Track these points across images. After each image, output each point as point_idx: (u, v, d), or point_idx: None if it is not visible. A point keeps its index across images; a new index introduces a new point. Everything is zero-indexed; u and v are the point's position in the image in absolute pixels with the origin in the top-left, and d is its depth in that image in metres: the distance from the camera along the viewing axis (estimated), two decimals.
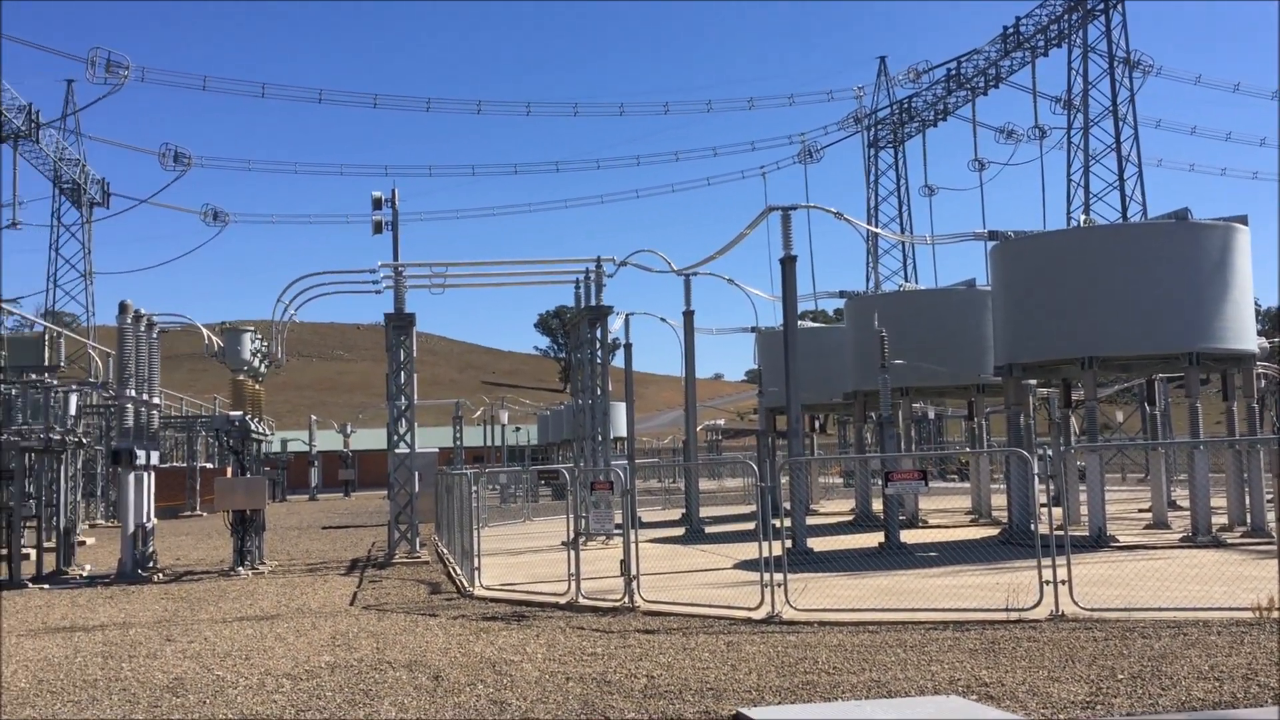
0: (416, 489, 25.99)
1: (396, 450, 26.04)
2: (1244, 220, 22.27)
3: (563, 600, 16.27)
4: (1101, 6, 56.93)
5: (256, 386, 27.56)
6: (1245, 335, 22.13)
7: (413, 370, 26.30)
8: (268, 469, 61.63)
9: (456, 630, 14.20)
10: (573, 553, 16.41)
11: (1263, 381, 41.09)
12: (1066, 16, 58.11)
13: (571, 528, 16.76)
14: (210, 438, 53.08)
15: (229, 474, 39.69)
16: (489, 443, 74.44)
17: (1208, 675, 9.62)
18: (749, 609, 14.29)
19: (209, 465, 55.64)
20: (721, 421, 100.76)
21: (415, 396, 26.43)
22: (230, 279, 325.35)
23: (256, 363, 27.00)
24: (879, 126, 76.34)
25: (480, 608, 16.36)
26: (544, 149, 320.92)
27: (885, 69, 77.33)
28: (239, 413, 25.96)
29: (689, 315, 30.72)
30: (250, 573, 22.93)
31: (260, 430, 27.55)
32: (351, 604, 17.52)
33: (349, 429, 77.55)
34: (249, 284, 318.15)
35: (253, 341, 26.88)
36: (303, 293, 26.63)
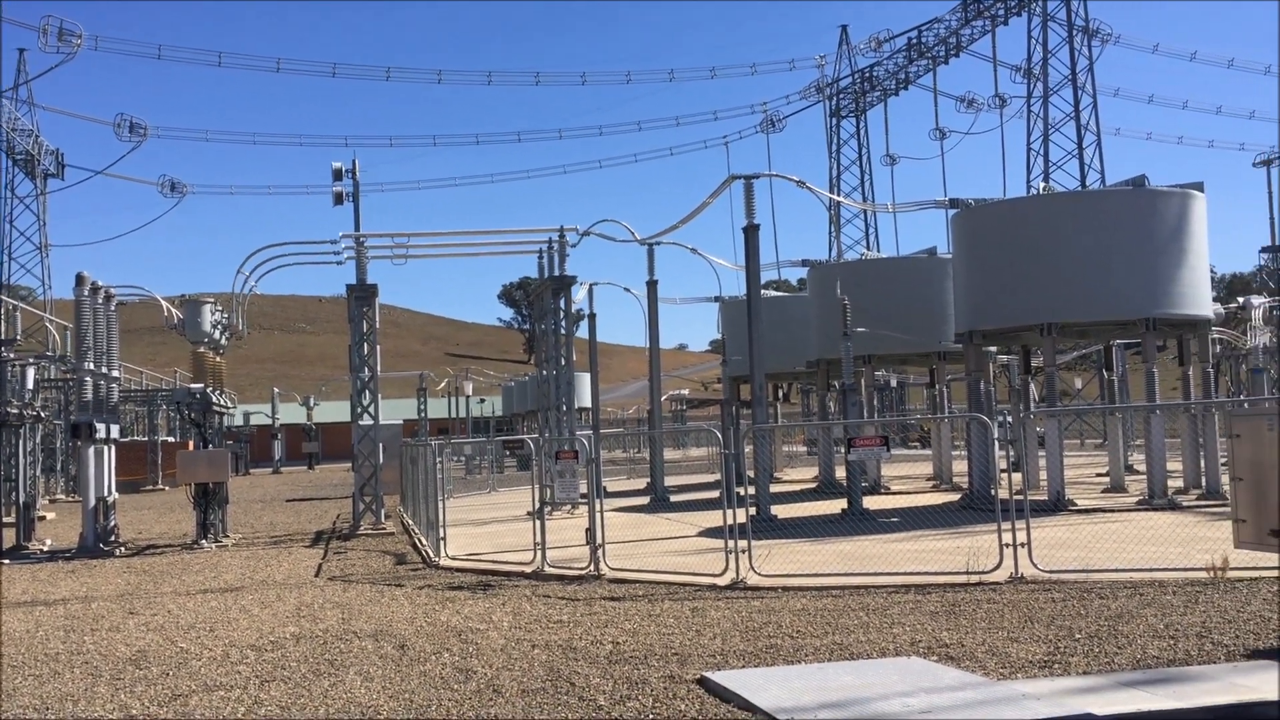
0: (381, 461, 25.91)
1: (361, 422, 25.94)
2: (1200, 187, 22.53)
3: (529, 569, 16.31)
4: None
5: (217, 359, 27.31)
6: (1201, 301, 22.44)
7: (375, 342, 26.15)
8: (230, 442, 61.28)
9: (422, 600, 14.21)
10: (538, 522, 16.44)
11: (1218, 347, 41.72)
12: None
13: (536, 497, 16.80)
14: (171, 411, 52.56)
15: (191, 447, 39.38)
16: (454, 414, 74.22)
17: (1163, 634, 9.81)
18: (714, 575, 14.40)
19: (170, 439, 55.15)
20: (686, 391, 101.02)
21: (379, 368, 26.30)
22: (189, 251, 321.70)
23: (217, 335, 26.74)
24: (841, 96, 76.39)
25: (446, 578, 16.37)
26: (506, 119, 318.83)
27: (847, 38, 77.26)
28: (200, 385, 25.74)
29: (652, 285, 30.73)
30: (214, 546, 22.81)
31: (222, 403, 27.33)
32: (316, 575, 17.48)
33: (312, 402, 77.09)
34: (209, 256, 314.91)
35: (213, 313, 26.60)
36: (263, 264, 26.37)
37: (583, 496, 17.54)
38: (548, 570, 16.02)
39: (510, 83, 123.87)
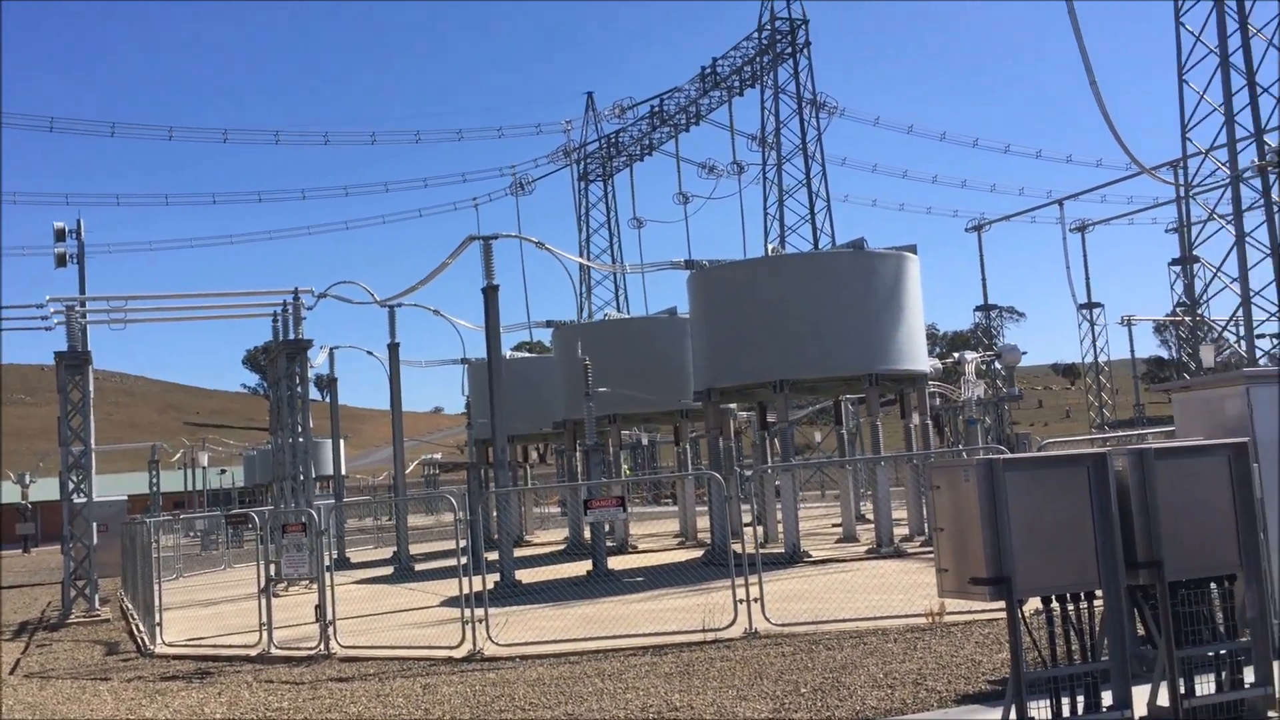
0: (95, 541, 23.95)
1: (74, 500, 23.92)
2: (913, 249, 23.97)
3: (254, 652, 15.30)
4: (789, 51, 60.41)
5: None
6: (918, 357, 23.77)
7: (89, 414, 24.26)
8: None
9: (129, 694, 13.04)
10: (264, 600, 15.48)
11: (937, 400, 44.51)
12: (758, 59, 61.27)
13: (262, 574, 15.83)
14: None
15: None
16: (190, 487, 70.01)
17: (882, 683, 10.06)
18: (450, 648, 13.89)
19: None
20: (438, 455, 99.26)
21: (94, 440, 24.39)
22: None
23: None
24: (588, 160, 77.79)
25: (161, 667, 15.14)
26: (244, 178, 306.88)
27: (593, 104, 78.92)
28: None
29: (394, 348, 30.02)
30: None
31: None
32: (11, 673, 15.82)
33: (28, 479, 71.02)
34: None
35: None
36: None
37: (327, 569, 16.72)
38: (274, 652, 15.07)
39: (249, 141, 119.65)
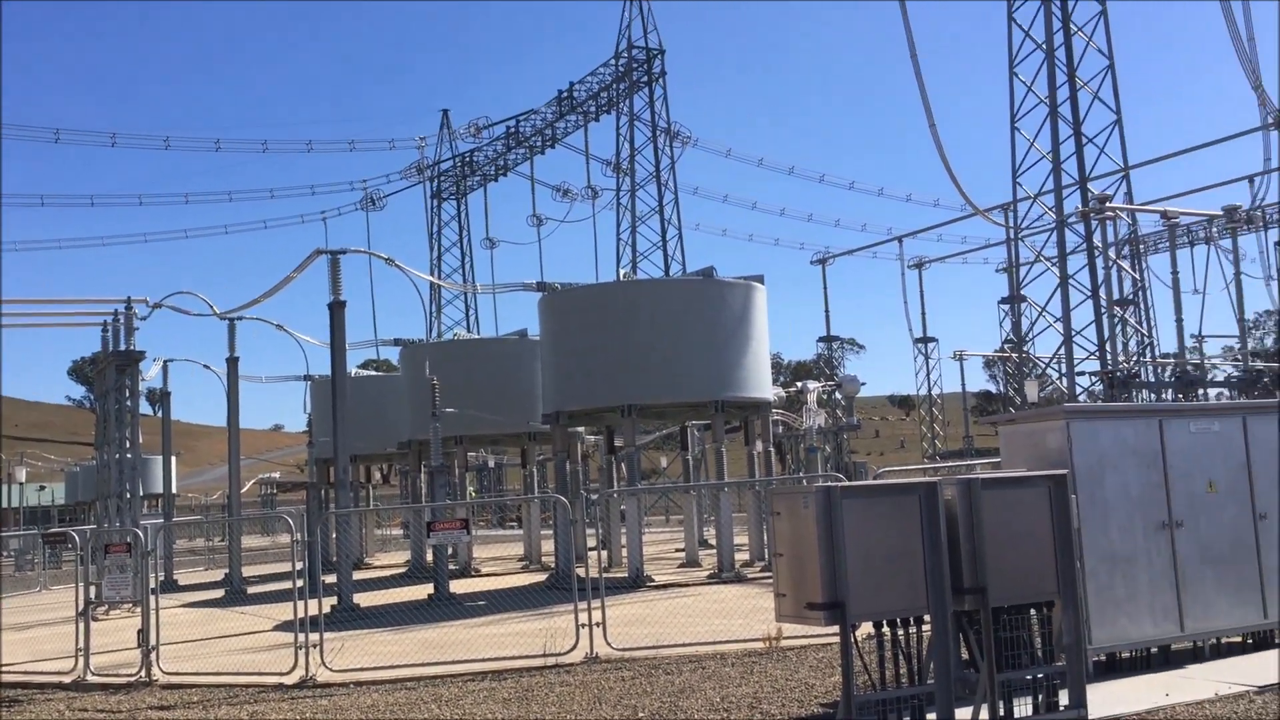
0: None
1: None
2: (761, 279, 24.49)
3: (68, 679, 14.52)
4: (646, 79, 61.14)
5: None
6: (763, 385, 24.24)
7: None
8: None
9: None
10: (82, 624, 14.73)
11: (780, 428, 45.46)
12: (615, 85, 61.82)
13: (81, 596, 15.07)
14: None
15: None
16: (6, 503, 66.24)
17: (719, 707, 10.17)
18: (281, 674, 13.45)
19: None
20: (277, 474, 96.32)
21: None
22: None
23: None
24: (442, 178, 77.01)
25: None
26: (76, 180, 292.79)
27: (448, 122, 78.16)
28: None
29: (233, 362, 29.03)
30: None
31: None
32: None
33: None
34: None
35: None
36: None
37: (153, 591, 16.01)
38: (91, 679, 14.34)
39: (83, 142, 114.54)
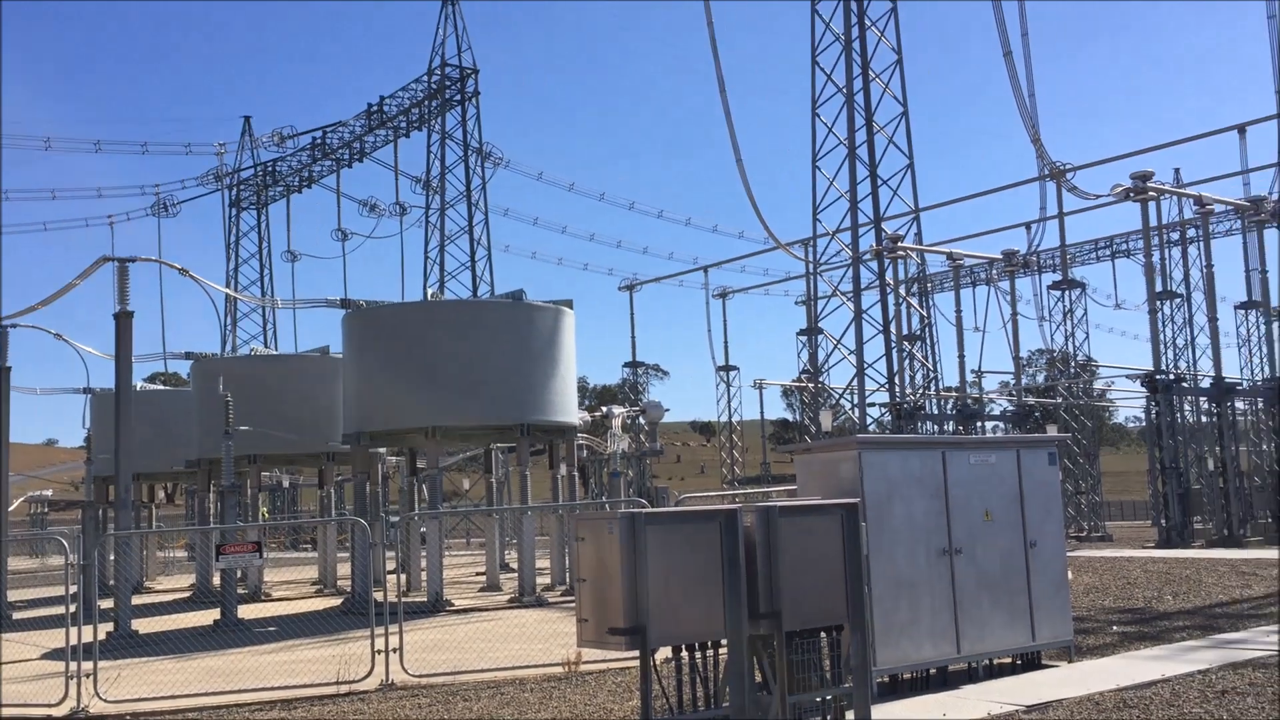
0: None
1: None
2: (570, 304, 24.63)
3: None
4: (459, 98, 60.74)
5: None
6: (569, 409, 24.34)
7: None
8: None
9: None
10: None
11: (584, 452, 45.73)
12: (427, 102, 61.16)
13: None
14: None
15: None
16: None
17: None
18: (50, 705, 12.63)
19: None
20: (49, 492, 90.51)
21: None
22: None
23: None
24: (242, 187, 74.37)
25: None
26: None
27: (250, 129, 75.59)
28: None
29: (4, 371, 27.15)
30: None
31: None
32: None
33: None
34: None
35: None
36: None
37: None
38: None
39: None
